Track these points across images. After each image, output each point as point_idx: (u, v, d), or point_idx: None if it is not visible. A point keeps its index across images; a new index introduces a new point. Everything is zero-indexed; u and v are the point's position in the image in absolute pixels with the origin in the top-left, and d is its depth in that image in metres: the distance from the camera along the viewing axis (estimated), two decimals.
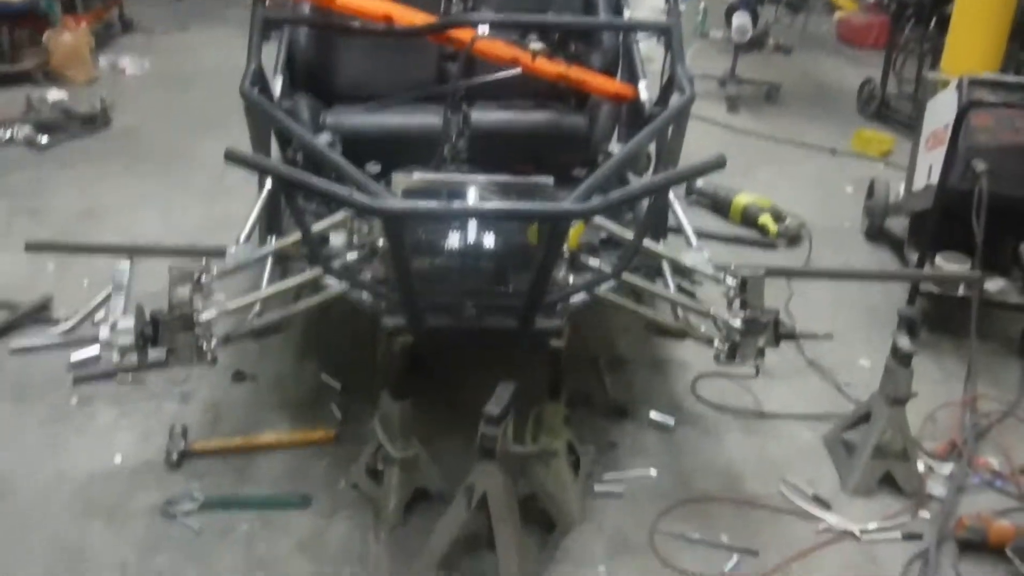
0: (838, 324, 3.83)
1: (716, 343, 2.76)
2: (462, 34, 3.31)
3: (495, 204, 2.52)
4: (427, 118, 3.60)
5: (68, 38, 6.75)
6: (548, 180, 2.60)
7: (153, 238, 4.48)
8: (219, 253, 2.86)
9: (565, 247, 2.60)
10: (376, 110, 3.67)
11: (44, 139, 5.62)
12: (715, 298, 2.89)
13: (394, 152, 3.25)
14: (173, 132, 5.93)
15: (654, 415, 3.30)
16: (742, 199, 4.83)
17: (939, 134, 3.80)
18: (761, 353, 2.74)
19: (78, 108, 5.96)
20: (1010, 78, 4.24)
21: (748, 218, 4.78)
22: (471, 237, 2.52)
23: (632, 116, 3.71)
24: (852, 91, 6.98)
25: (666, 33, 3.27)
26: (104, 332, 2.63)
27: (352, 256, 2.66)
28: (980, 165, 3.56)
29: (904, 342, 2.88)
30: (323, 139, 2.87)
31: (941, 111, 3.85)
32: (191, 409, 3.30)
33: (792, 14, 6.97)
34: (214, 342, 2.63)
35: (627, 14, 3.98)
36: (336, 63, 3.87)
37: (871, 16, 8.63)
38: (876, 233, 4.70)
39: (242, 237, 2.88)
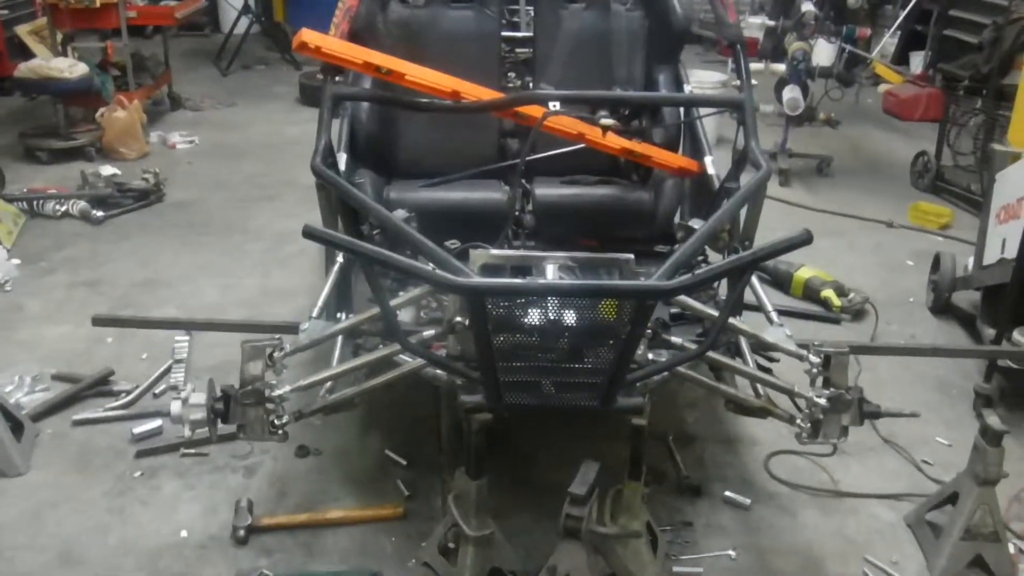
0: (910, 399, 3.76)
1: (798, 421, 2.68)
2: (531, 110, 3.31)
3: (585, 282, 2.48)
4: (490, 194, 3.60)
5: (121, 114, 6.86)
6: (628, 256, 2.56)
7: (211, 309, 4.51)
8: (291, 329, 2.83)
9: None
10: (438, 186, 3.68)
11: (99, 213, 5.68)
12: (790, 375, 2.83)
13: (456, 228, 3.23)
14: (225, 205, 6.02)
15: (729, 494, 3.22)
16: (804, 273, 4.76)
17: (1012, 208, 3.74)
18: (845, 432, 2.66)
19: (131, 182, 6.05)
20: None
21: (810, 292, 4.70)
22: (550, 314, 2.47)
23: (697, 191, 3.69)
24: (903, 163, 6.94)
25: (739, 108, 3.25)
26: (175, 407, 2.59)
27: (429, 333, 2.61)
28: None
29: (995, 420, 2.79)
30: (399, 215, 2.85)
31: (1013, 184, 3.79)
32: (256, 483, 3.26)
33: (843, 87, 6.95)
34: (285, 418, 2.60)
35: (688, 89, 3.99)
36: (397, 139, 3.90)
37: (917, 89, 8.62)
38: (942, 307, 4.60)
39: (315, 312, 2.84)
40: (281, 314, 4.41)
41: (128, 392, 3.77)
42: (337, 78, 3.32)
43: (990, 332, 3.85)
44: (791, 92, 6.40)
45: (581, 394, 2.51)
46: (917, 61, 9.76)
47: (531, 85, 4.02)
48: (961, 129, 6.44)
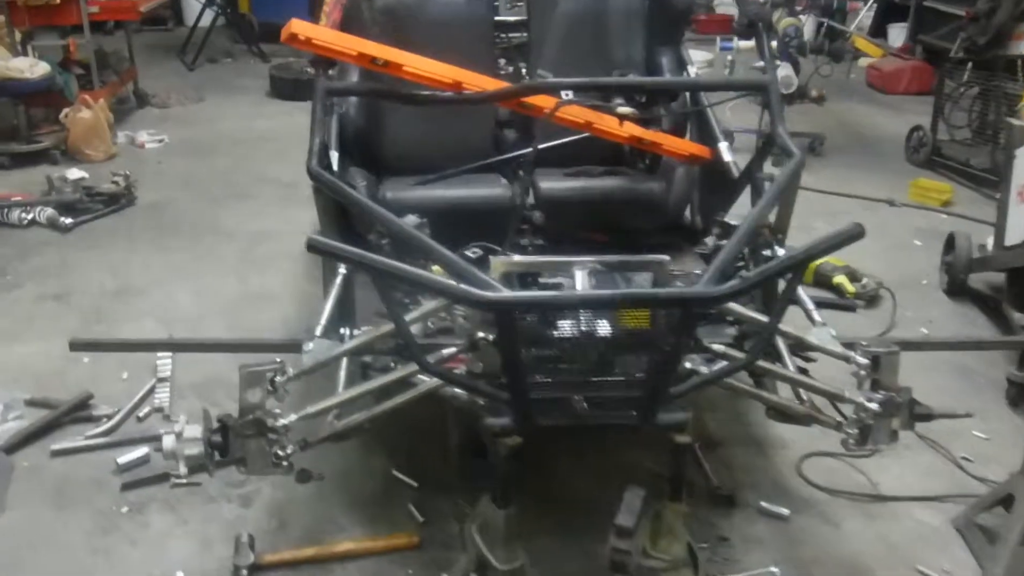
0: (932, 387, 3.52)
1: (845, 428, 2.49)
2: (538, 100, 3.07)
3: (628, 291, 2.27)
4: (491, 190, 3.37)
5: (86, 114, 6.55)
6: (663, 257, 2.35)
7: (189, 317, 4.27)
8: (292, 347, 2.59)
9: None
10: (434, 182, 3.44)
11: (67, 220, 5.39)
12: (823, 373, 2.65)
13: (456, 227, 2.99)
14: (198, 205, 5.75)
15: (765, 504, 3.02)
16: None
17: None
18: (895, 436, 2.47)
19: (100, 186, 5.76)
20: None
21: (821, 279, 4.51)
22: (584, 326, 2.25)
23: (709, 179, 3.48)
24: (893, 138, 6.80)
25: (763, 91, 3.04)
26: (169, 442, 2.35)
27: (450, 350, 2.38)
28: None
29: None
30: (410, 221, 2.61)
31: None
32: (254, 514, 3.02)
33: (834, 63, 6.79)
34: (290, 448, 2.36)
35: (693, 71, 3.78)
36: (386, 133, 3.66)
37: (900, 62, 8.49)
38: (959, 290, 4.44)
39: (318, 331, 2.59)
40: (265, 321, 4.19)
41: (109, 417, 3.50)
42: (330, 71, 3.08)
43: (1020, 316, 3.68)
44: (783, 69, 6.19)
45: (619, 411, 2.31)
46: (895, 33, 9.64)
47: (524, 71, 3.81)
48: (954, 103, 6.29)
